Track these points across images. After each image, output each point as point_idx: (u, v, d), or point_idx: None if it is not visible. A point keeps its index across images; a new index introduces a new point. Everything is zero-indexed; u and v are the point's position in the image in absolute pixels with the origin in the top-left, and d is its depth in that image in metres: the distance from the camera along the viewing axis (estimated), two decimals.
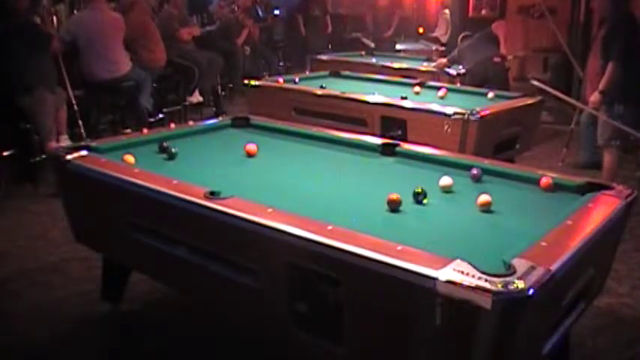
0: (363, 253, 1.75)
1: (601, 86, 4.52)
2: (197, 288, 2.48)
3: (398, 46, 9.56)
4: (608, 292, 3.20)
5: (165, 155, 2.92)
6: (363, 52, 8.29)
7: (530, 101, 4.67)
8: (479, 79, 5.87)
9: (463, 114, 3.92)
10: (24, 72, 4.78)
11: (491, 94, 4.88)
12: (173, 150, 2.91)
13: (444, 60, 6.56)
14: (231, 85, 8.46)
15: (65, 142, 4.96)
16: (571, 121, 5.91)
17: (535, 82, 5.04)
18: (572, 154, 5.69)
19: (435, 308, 1.59)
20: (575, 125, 5.76)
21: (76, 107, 5.38)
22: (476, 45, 6.13)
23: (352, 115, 4.49)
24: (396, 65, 6.93)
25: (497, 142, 4.19)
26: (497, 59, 6.04)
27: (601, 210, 2.21)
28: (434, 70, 6.53)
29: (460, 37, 6.73)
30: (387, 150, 3.05)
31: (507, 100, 4.70)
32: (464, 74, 6.20)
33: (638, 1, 5.45)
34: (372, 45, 9.04)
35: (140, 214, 2.53)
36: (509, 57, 6.51)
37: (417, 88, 5.15)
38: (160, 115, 6.46)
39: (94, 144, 2.95)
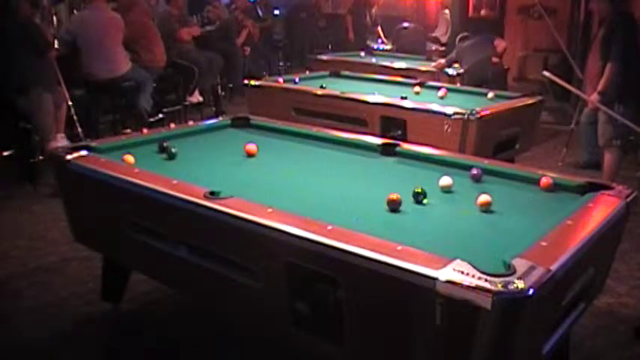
0: (363, 253, 1.75)
1: (600, 87, 4.52)
2: (197, 288, 2.48)
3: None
4: (608, 292, 3.20)
5: (165, 155, 2.92)
6: (363, 53, 8.27)
7: (529, 101, 4.66)
8: (477, 79, 5.89)
9: (463, 114, 3.92)
10: (21, 72, 4.79)
11: (491, 94, 4.88)
12: (173, 150, 2.91)
13: (442, 61, 6.57)
14: (231, 85, 8.46)
15: (62, 140, 4.96)
16: (571, 121, 5.91)
17: (547, 74, 5.05)
18: (572, 154, 5.69)
19: (435, 308, 1.59)
20: (575, 125, 5.76)
21: (72, 107, 5.37)
22: (474, 46, 6.14)
23: (352, 115, 4.49)
24: (396, 65, 6.93)
25: (497, 142, 4.19)
26: (495, 60, 6.05)
27: (601, 210, 2.21)
28: (433, 70, 6.54)
29: (458, 38, 6.73)
30: (387, 150, 3.05)
31: (507, 100, 4.70)
32: (463, 74, 6.20)
33: (638, 2, 5.45)
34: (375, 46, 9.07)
35: (140, 214, 2.53)
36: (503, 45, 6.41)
37: (417, 88, 5.15)
38: (160, 115, 6.47)
39: (93, 144, 2.96)
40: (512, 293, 1.54)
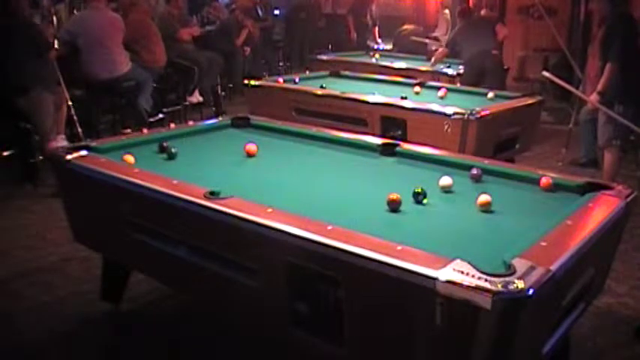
0: (363, 253, 1.75)
1: (599, 87, 4.52)
2: (197, 288, 2.48)
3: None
4: (608, 292, 3.20)
5: (165, 155, 2.92)
6: (376, 55, 8.23)
7: (530, 101, 4.67)
8: (477, 70, 5.95)
9: (463, 114, 3.92)
10: (21, 72, 4.79)
11: (491, 94, 4.88)
12: (173, 150, 2.91)
13: (441, 49, 6.61)
14: (231, 85, 8.47)
15: (62, 142, 4.96)
16: (570, 120, 5.91)
17: (546, 74, 5.09)
18: (572, 154, 5.69)
19: (435, 308, 1.59)
20: (573, 125, 5.76)
21: (72, 107, 5.37)
22: (475, 33, 6.14)
23: (352, 115, 4.49)
24: (396, 65, 6.94)
25: (497, 142, 4.19)
26: (495, 52, 6.10)
27: (601, 210, 2.21)
28: (434, 63, 6.56)
29: (457, 10, 6.77)
30: (387, 150, 3.05)
31: (507, 100, 4.70)
32: (463, 64, 6.25)
33: (637, 2, 5.45)
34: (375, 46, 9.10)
35: (140, 214, 2.53)
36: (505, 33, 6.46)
37: (417, 88, 5.16)
38: (160, 115, 6.47)
39: (93, 144, 2.96)
40: (512, 293, 1.54)
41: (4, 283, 3.39)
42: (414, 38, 8.59)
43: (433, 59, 6.64)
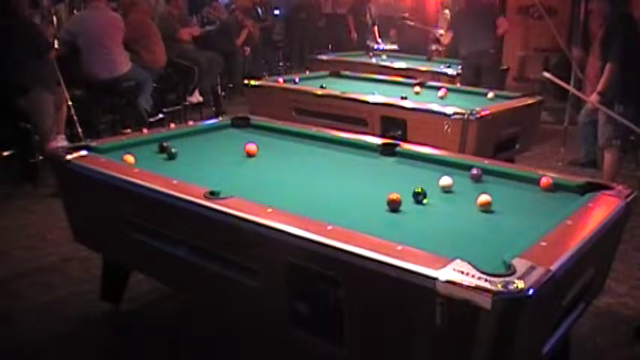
0: (363, 253, 1.75)
1: (599, 87, 4.53)
2: (197, 288, 2.48)
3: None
4: (608, 292, 3.20)
5: (165, 155, 2.92)
6: (373, 56, 8.24)
7: (530, 101, 4.67)
8: (473, 68, 6.01)
9: (463, 114, 3.92)
10: (21, 72, 4.79)
11: (491, 94, 4.89)
12: (173, 150, 2.91)
13: (446, 33, 6.67)
14: (231, 85, 8.47)
15: (62, 142, 4.97)
16: (570, 120, 5.92)
17: (547, 74, 5.11)
18: (570, 154, 5.70)
19: (435, 308, 1.59)
20: (568, 124, 5.77)
21: (72, 107, 5.37)
22: (473, 28, 6.15)
23: (352, 115, 4.49)
24: (396, 65, 6.94)
25: (497, 142, 4.19)
26: (492, 51, 6.16)
27: (601, 210, 2.21)
28: (445, 46, 6.61)
29: None
30: (387, 150, 3.05)
31: (507, 100, 4.71)
32: (460, 60, 6.30)
33: (637, 2, 5.45)
34: (375, 46, 9.11)
35: (140, 214, 2.53)
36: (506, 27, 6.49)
37: (417, 88, 5.16)
38: (160, 115, 6.47)
39: (93, 144, 2.96)
40: (512, 293, 1.54)
41: (4, 283, 3.39)
42: (416, 24, 8.60)
43: (444, 43, 6.69)
